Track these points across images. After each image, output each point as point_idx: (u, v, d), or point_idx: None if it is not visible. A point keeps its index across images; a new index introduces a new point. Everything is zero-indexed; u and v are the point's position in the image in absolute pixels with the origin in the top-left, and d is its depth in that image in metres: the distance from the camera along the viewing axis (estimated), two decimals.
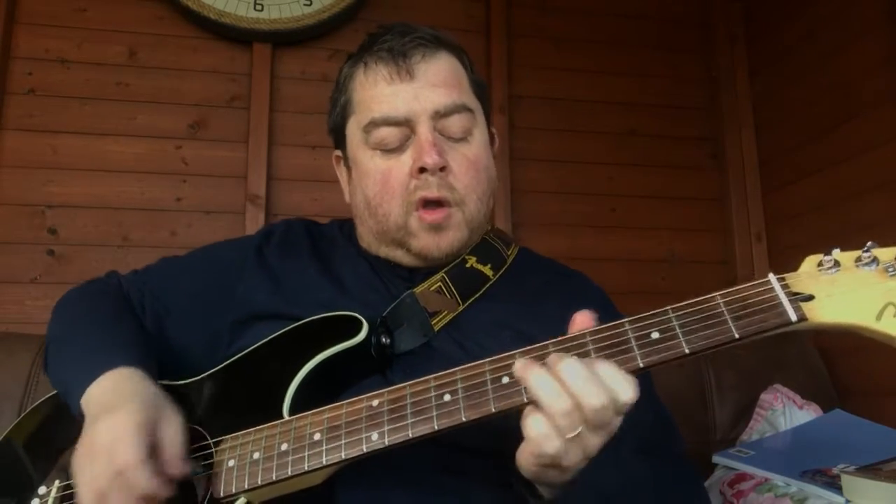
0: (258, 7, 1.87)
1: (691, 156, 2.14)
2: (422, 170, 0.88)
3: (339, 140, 1.01)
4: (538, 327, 0.87)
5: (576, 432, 0.60)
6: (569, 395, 0.60)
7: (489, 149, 0.99)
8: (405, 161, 0.90)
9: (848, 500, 1.06)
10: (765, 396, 1.54)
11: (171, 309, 0.97)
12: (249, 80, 1.89)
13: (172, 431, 0.74)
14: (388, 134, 0.90)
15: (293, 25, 1.88)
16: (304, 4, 1.90)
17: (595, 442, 0.62)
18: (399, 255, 0.94)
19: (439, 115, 0.90)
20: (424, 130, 0.89)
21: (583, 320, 0.67)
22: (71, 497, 0.82)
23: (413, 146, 0.90)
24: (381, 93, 0.92)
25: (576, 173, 2.04)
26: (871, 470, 1.10)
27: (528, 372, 0.62)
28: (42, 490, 0.86)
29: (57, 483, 0.85)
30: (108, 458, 0.69)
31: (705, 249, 2.08)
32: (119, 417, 0.71)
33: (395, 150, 0.91)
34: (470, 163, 0.92)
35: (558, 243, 1.94)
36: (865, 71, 1.69)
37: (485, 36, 2.06)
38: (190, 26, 1.88)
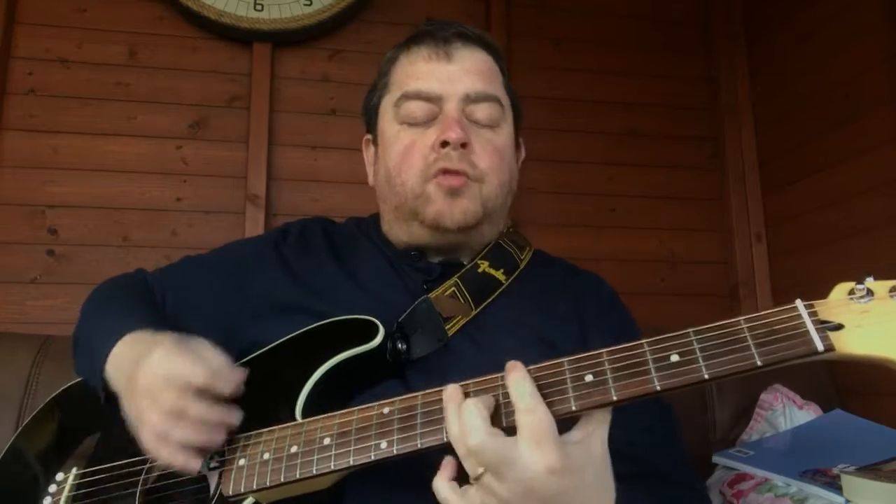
0: (258, 7, 1.87)
1: (691, 156, 2.13)
2: (444, 144, 0.90)
3: (371, 121, 1.04)
4: (552, 325, 0.89)
5: (477, 474, 0.60)
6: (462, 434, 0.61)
7: (514, 150, 1.02)
8: (430, 135, 0.92)
9: (848, 500, 1.06)
10: (765, 396, 1.54)
11: (190, 304, 0.99)
12: (249, 80, 1.89)
13: (209, 351, 0.75)
14: (416, 108, 0.94)
15: (293, 25, 1.88)
16: (304, 4, 1.90)
17: (503, 492, 0.58)
18: (415, 231, 0.95)
19: (469, 100, 0.94)
20: (452, 108, 0.92)
21: None
22: (88, 485, 0.84)
23: (439, 122, 0.92)
24: (417, 70, 0.96)
25: (576, 173, 2.04)
26: (871, 470, 1.09)
27: (446, 407, 0.63)
28: (60, 476, 0.87)
29: (75, 470, 0.87)
30: (173, 382, 0.71)
31: (705, 249, 2.08)
32: (158, 353, 0.73)
33: (421, 124, 0.94)
34: (494, 148, 0.94)
35: (558, 243, 1.92)
36: (865, 71, 1.69)
37: None
38: (190, 26, 1.88)
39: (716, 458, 1.40)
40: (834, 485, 1.12)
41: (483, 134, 0.94)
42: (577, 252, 1.92)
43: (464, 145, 0.90)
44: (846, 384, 1.66)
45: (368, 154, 1.06)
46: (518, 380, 0.61)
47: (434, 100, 0.93)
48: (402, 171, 0.93)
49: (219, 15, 1.84)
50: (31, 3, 1.81)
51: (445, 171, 0.90)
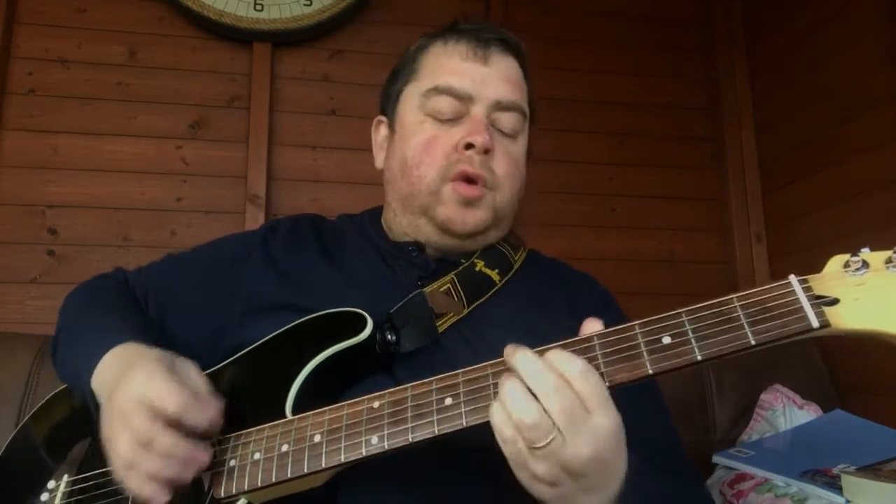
0: (258, 7, 1.87)
1: (691, 156, 2.13)
2: (468, 146, 0.90)
3: (390, 105, 1.02)
4: (547, 322, 0.89)
5: (548, 439, 0.57)
6: (504, 406, 0.59)
7: (526, 160, 1.02)
8: (454, 134, 0.92)
9: (848, 501, 1.06)
10: (765, 396, 1.54)
11: (174, 303, 0.98)
12: (249, 80, 1.89)
13: (193, 374, 0.74)
14: (445, 104, 0.93)
15: (293, 25, 1.88)
16: (304, 4, 1.90)
17: (541, 468, 0.58)
18: (421, 227, 0.94)
19: (498, 106, 0.94)
20: (480, 112, 0.93)
21: (593, 327, 0.64)
22: (80, 492, 0.83)
23: (466, 123, 0.92)
24: (453, 65, 0.95)
25: (576, 173, 2.04)
26: (871, 470, 1.10)
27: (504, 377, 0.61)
28: (51, 484, 0.86)
29: (66, 477, 0.86)
30: (145, 408, 0.68)
31: (705, 249, 2.08)
32: (138, 374, 0.71)
33: (447, 121, 0.93)
34: (511, 159, 0.95)
35: (558, 243, 1.93)
36: (865, 71, 1.69)
37: None
38: (190, 26, 1.88)
39: (716, 458, 1.40)
40: (834, 485, 1.12)
41: (503, 142, 0.95)
42: (577, 252, 1.93)
43: (486, 151, 0.90)
44: (846, 384, 1.66)
45: (378, 135, 1.05)
46: (556, 352, 0.60)
47: (464, 99, 0.93)
48: (421, 164, 0.92)
49: (219, 15, 1.84)
50: (31, 3, 1.80)
51: (464, 174, 0.90)
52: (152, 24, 1.87)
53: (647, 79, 2.14)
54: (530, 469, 0.59)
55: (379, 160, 1.04)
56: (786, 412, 1.47)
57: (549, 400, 0.57)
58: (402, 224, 0.98)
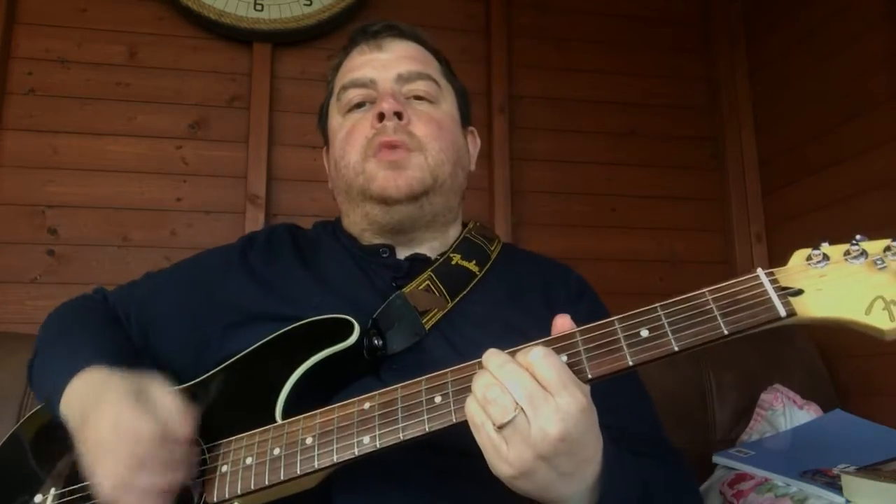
0: (258, 7, 1.87)
1: (691, 156, 2.14)
2: (380, 117, 0.93)
3: (325, 130, 1.07)
4: (524, 316, 0.90)
5: (510, 417, 0.59)
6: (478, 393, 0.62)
7: (459, 128, 1.03)
8: (369, 116, 0.95)
9: (848, 501, 1.06)
10: (765, 396, 1.54)
11: (156, 318, 0.98)
12: (249, 80, 1.89)
13: (160, 395, 0.74)
14: (354, 94, 0.98)
15: (293, 25, 1.89)
16: (304, 4, 1.90)
17: (513, 454, 0.58)
18: (368, 211, 0.96)
19: (402, 79, 0.98)
20: (386, 88, 0.97)
21: (563, 323, 0.66)
22: None
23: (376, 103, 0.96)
24: (353, 64, 1.01)
25: (576, 173, 2.04)
26: (871, 470, 1.10)
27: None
28: (38, 498, 0.85)
29: (53, 491, 0.85)
30: (122, 444, 0.69)
31: (705, 249, 2.08)
32: (106, 412, 0.72)
33: (361, 109, 0.98)
34: (432, 119, 0.97)
35: (558, 243, 1.94)
36: (865, 71, 1.69)
37: (485, 36, 2.06)
38: (190, 26, 1.89)
39: (716, 458, 1.40)
40: (834, 485, 1.12)
41: (422, 107, 0.98)
42: (576, 252, 1.92)
43: (399, 116, 0.93)
44: (846, 384, 1.66)
45: (327, 163, 1.08)
46: (528, 351, 0.62)
47: (369, 84, 0.98)
48: (346, 154, 0.96)
49: (219, 15, 1.84)
50: (31, 3, 1.81)
51: (382, 144, 0.92)
52: (152, 24, 1.87)
53: (647, 79, 2.14)
54: (503, 456, 0.59)
55: (330, 182, 1.07)
56: (786, 412, 1.47)
57: (511, 383, 0.60)
58: (355, 221, 1.00)
